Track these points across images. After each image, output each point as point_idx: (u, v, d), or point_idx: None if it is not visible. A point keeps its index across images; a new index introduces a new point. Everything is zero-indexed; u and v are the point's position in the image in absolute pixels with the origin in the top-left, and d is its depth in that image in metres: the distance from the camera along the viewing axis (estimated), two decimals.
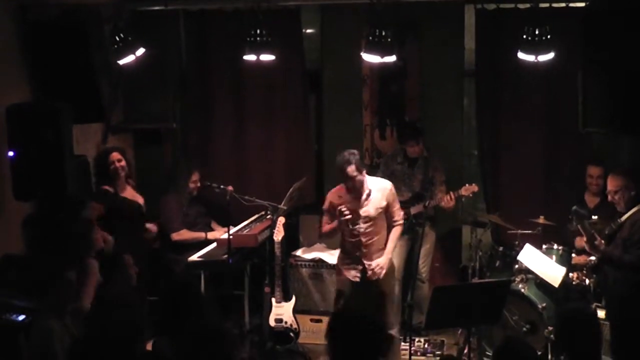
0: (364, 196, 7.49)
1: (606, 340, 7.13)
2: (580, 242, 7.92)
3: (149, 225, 8.23)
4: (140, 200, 8.25)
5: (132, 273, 7.70)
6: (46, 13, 7.51)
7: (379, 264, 7.52)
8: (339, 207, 7.34)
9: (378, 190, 7.54)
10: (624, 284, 7.07)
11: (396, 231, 7.67)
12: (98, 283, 6.47)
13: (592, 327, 5.19)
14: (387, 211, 7.58)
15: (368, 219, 7.50)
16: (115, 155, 8.12)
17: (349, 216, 7.35)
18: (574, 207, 7.39)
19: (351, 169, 7.32)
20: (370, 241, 7.55)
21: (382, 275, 7.55)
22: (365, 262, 7.54)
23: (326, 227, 7.67)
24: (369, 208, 7.50)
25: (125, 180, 8.19)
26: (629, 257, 6.94)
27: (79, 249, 6.80)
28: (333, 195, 7.65)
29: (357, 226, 7.51)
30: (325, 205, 7.67)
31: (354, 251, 7.58)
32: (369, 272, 7.53)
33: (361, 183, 7.44)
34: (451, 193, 8.50)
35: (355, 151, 7.48)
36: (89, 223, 7.17)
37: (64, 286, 6.08)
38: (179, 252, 8.51)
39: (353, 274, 7.61)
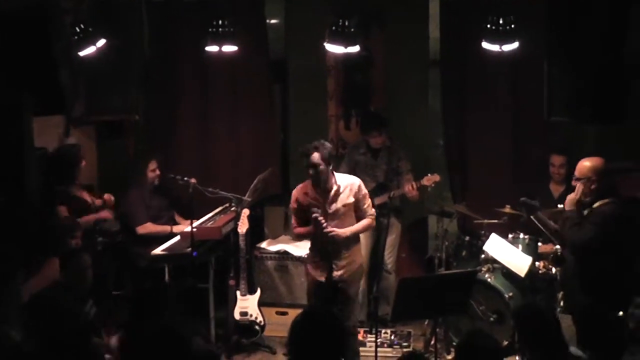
0: (332, 193, 7.27)
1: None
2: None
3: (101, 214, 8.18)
4: (87, 197, 8.23)
5: (88, 275, 7.57)
6: (5, 3, 7.30)
7: (335, 230, 7.23)
8: (314, 215, 7.12)
9: (346, 187, 7.31)
10: (581, 278, 7.00)
11: (366, 221, 7.39)
12: (53, 281, 6.50)
13: (546, 320, 5.23)
14: (357, 208, 7.36)
15: (336, 216, 7.29)
16: (84, 151, 8.12)
17: (325, 224, 7.14)
18: (522, 199, 7.28)
19: (315, 157, 7.09)
20: (340, 239, 7.30)
21: (348, 269, 7.37)
22: (333, 261, 7.29)
23: (300, 230, 7.43)
24: (337, 205, 7.28)
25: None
26: (576, 233, 6.78)
27: (50, 248, 6.91)
28: (299, 192, 7.40)
29: (325, 224, 7.27)
30: (293, 204, 7.43)
31: (324, 249, 7.30)
32: (335, 270, 7.31)
33: (326, 176, 7.22)
34: (413, 183, 8.45)
35: (327, 143, 7.29)
36: (67, 226, 7.22)
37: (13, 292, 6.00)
38: (142, 245, 8.41)
39: (319, 274, 7.39)
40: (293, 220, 7.55)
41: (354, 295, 7.51)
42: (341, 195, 7.29)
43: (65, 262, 6.79)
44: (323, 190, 7.26)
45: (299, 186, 7.46)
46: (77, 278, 6.70)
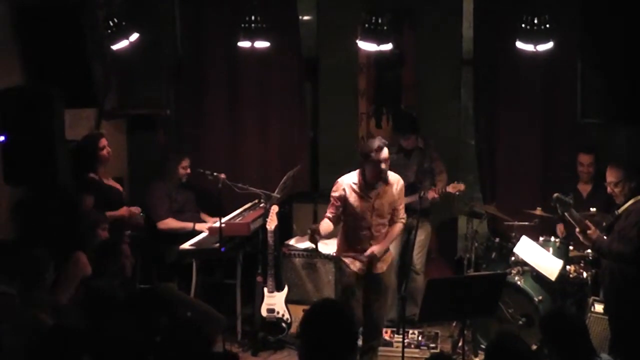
0: (380, 188, 7.27)
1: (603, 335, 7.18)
2: (561, 228, 8.07)
3: (132, 208, 8.09)
4: (120, 188, 8.24)
5: (127, 263, 7.52)
6: None
7: (373, 251, 7.28)
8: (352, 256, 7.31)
9: (393, 184, 7.33)
10: (621, 278, 6.97)
11: (397, 227, 7.44)
12: (86, 276, 6.53)
13: (574, 326, 5.25)
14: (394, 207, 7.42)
15: (380, 212, 7.32)
16: (105, 141, 8.04)
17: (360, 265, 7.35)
18: (556, 195, 7.21)
19: (386, 154, 7.13)
20: (379, 234, 7.36)
21: (379, 266, 7.41)
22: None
23: (325, 227, 7.33)
24: (383, 201, 7.29)
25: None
26: (618, 246, 6.84)
27: (78, 241, 6.91)
28: (347, 184, 7.31)
29: (369, 218, 7.29)
30: (334, 192, 7.35)
31: (362, 243, 7.35)
32: (366, 263, 7.38)
33: (386, 173, 7.22)
34: (435, 189, 8.52)
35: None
36: (95, 217, 7.19)
37: (49, 279, 6.06)
38: (169, 240, 8.40)
39: (359, 266, 7.39)
40: (329, 209, 7.44)
41: (390, 286, 7.62)
42: (388, 191, 7.31)
43: (102, 254, 6.85)
44: (372, 186, 7.26)
45: (347, 176, 7.39)
46: (114, 270, 6.78)
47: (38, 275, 5.94)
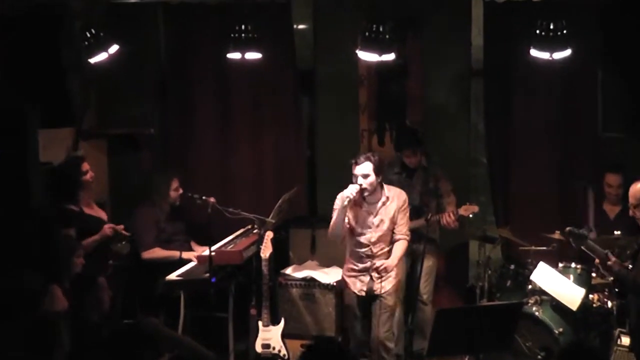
0: (379, 204, 7.23)
1: None
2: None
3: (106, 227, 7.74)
4: (103, 216, 7.90)
5: (105, 297, 7.42)
6: (11, 6, 7.23)
7: (384, 264, 7.22)
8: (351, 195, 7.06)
9: (393, 199, 7.28)
10: None
11: (402, 244, 7.37)
12: (63, 310, 6.30)
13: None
14: (394, 221, 7.37)
15: (379, 228, 7.24)
16: (87, 165, 7.74)
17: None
18: (568, 229, 6.92)
19: (366, 166, 7.02)
20: (382, 251, 7.29)
21: (380, 286, 7.25)
22: (372, 273, 7.28)
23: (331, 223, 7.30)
24: (383, 217, 7.24)
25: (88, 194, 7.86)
26: None
27: (54, 271, 6.62)
28: (345, 197, 7.20)
29: (368, 235, 7.26)
30: (335, 206, 7.25)
31: (363, 261, 7.31)
32: (376, 281, 7.28)
33: (374, 188, 7.14)
34: (452, 211, 8.18)
35: (379, 156, 7.28)
36: (71, 244, 6.92)
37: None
38: (155, 271, 8.02)
39: (359, 287, 7.35)
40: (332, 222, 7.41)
41: (393, 307, 7.44)
42: (388, 209, 7.26)
43: (79, 287, 6.65)
44: (370, 200, 7.24)
45: (347, 189, 7.24)
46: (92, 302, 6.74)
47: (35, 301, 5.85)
